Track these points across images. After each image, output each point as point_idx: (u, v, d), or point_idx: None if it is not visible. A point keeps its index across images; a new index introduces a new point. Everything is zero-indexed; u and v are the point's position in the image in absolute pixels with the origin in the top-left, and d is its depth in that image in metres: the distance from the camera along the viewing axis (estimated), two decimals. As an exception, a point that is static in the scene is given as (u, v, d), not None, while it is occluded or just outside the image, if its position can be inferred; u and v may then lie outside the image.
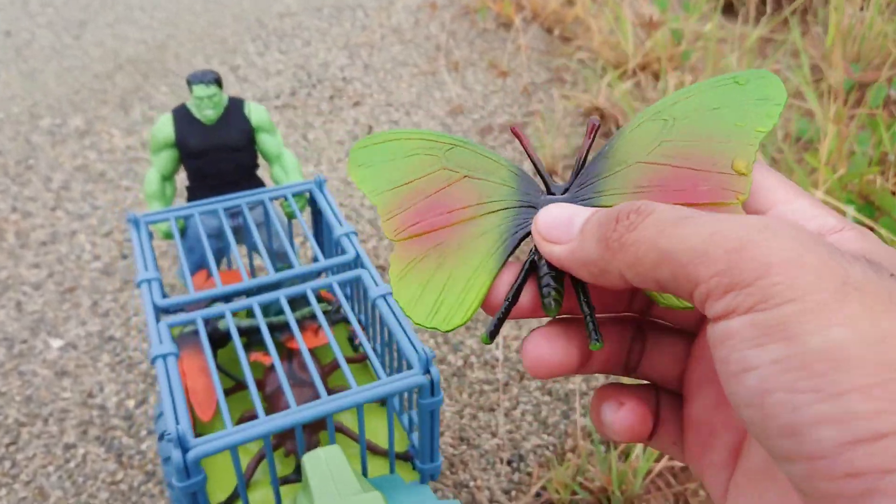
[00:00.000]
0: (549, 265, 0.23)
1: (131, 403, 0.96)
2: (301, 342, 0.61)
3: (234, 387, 0.72)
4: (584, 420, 0.94)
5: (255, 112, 0.80)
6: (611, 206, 0.21)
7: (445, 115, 1.62)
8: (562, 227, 0.22)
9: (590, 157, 0.26)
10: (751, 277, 0.17)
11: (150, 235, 0.72)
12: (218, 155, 0.79)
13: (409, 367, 0.61)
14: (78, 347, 1.04)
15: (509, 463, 0.90)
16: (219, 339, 0.73)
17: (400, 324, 0.62)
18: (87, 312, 1.09)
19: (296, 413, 0.54)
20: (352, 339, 0.80)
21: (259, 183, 0.83)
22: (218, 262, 0.85)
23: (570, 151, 1.47)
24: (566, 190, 0.25)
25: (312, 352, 0.72)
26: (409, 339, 0.60)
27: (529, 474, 0.89)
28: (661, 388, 0.25)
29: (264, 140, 0.81)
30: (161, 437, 0.77)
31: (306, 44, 1.90)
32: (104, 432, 0.92)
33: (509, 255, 0.24)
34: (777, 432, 0.16)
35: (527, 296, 0.24)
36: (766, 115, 0.24)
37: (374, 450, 0.68)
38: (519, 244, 0.24)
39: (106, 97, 1.64)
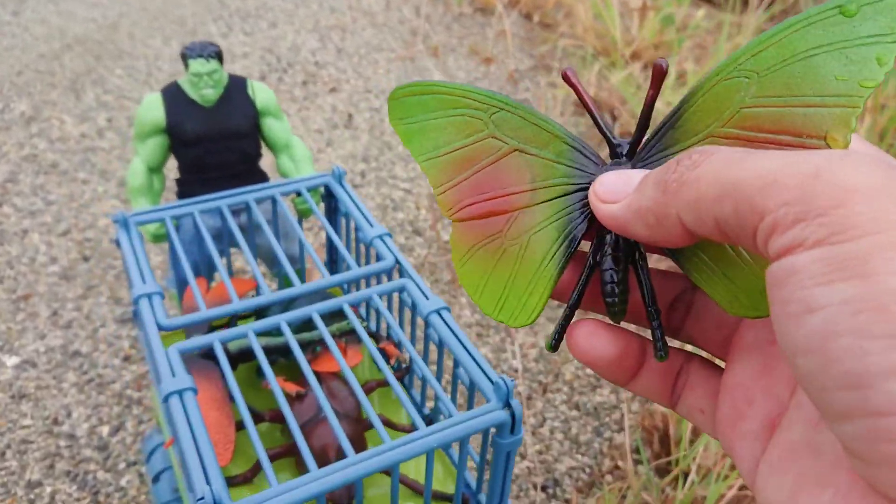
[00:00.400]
0: (612, 270, 0.22)
1: (105, 430, 0.83)
2: (345, 366, 0.50)
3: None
4: (619, 437, 0.85)
5: (261, 92, 0.68)
6: None
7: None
8: (619, 186, 0.21)
9: (655, 117, 0.23)
10: (826, 205, 0.15)
11: (142, 238, 0.60)
12: (218, 143, 0.67)
13: (468, 393, 0.51)
14: (37, 365, 0.90)
15: (544, 489, 0.81)
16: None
17: (463, 345, 0.52)
18: (46, 324, 0.95)
19: (357, 464, 0.43)
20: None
21: (263, 176, 0.72)
22: (212, 270, 0.73)
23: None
24: (630, 152, 0.23)
25: (339, 376, 0.61)
26: (477, 363, 0.50)
27: (568, 501, 0.79)
28: (695, 356, 0.23)
29: (271, 126, 0.69)
30: (156, 480, 0.65)
31: (272, 25, 1.77)
32: (75, 466, 0.79)
33: (569, 258, 0.23)
34: (838, 383, 0.14)
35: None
36: (875, 61, 0.18)
37: (414, 488, 0.58)
38: (579, 242, 0.23)
39: (54, 80, 1.48)
